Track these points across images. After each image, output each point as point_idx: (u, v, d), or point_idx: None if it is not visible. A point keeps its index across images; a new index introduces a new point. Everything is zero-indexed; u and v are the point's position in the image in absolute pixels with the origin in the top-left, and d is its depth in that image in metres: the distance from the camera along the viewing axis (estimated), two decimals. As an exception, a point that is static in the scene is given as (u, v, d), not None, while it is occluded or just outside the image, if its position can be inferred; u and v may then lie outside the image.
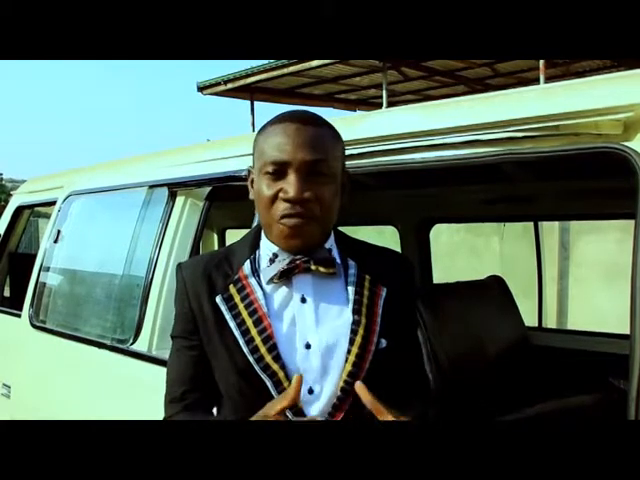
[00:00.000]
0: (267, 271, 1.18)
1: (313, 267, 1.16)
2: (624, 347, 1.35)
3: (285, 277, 1.17)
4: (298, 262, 1.16)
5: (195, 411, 1.21)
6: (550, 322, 5.80)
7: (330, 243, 1.21)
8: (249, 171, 1.23)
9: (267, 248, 1.20)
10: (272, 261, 1.18)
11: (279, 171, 1.13)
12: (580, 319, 5.80)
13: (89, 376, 2.64)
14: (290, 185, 1.11)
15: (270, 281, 1.18)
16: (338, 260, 1.21)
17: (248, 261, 1.21)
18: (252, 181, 1.21)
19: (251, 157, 1.22)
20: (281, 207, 1.12)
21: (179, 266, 1.27)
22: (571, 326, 5.79)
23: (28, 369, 3.07)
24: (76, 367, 2.74)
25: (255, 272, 1.20)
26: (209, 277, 1.21)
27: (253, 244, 1.24)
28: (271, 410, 1.06)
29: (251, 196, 1.21)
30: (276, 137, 1.14)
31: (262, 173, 1.15)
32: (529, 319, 2.97)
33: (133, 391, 2.30)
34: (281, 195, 1.12)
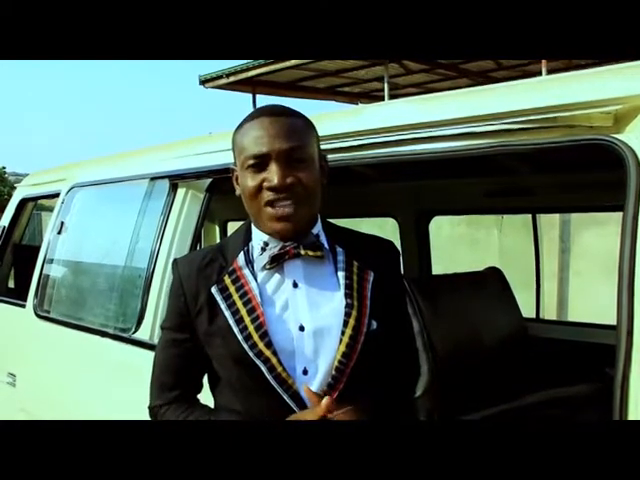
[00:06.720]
0: (259, 259, 1.24)
1: (302, 252, 1.21)
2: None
3: (276, 263, 1.22)
4: (288, 248, 1.21)
5: (181, 403, 1.26)
6: (550, 314, 5.81)
7: (317, 229, 1.27)
8: (233, 169, 1.29)
9: (258, 238, 1.26)
10: (263, 250, 1.24)
11: (260, 163, 1.19)
12: (580, 311, 5.81)
13: (92, 364, 2.67)
14: (273, 174, 1.17)
15: (262, 268, 1.23)
16: (326, 245, 1.26)
17: (242, 253, 1.26)
18: (237, 178, 1.26)
19: None
20: (266, 195, 1.18)
21: (175, 262, 1.33)
22: (571, 318, 5.81)
23: (32, 358, 3.11)
24: (79, 355, 2.78)
25: (249, 262, 1.25)
26: (204, 271, 1.26)
27: (246, 236, 1.29)
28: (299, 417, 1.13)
29: (237, 192, 1.27)
30: (253, 132, 1.20)
31: (245, 168, 1.21)
32: (529, 311, 2.99)
33: (135, 378, 2.33)
34: (265, 184, 1.18)
